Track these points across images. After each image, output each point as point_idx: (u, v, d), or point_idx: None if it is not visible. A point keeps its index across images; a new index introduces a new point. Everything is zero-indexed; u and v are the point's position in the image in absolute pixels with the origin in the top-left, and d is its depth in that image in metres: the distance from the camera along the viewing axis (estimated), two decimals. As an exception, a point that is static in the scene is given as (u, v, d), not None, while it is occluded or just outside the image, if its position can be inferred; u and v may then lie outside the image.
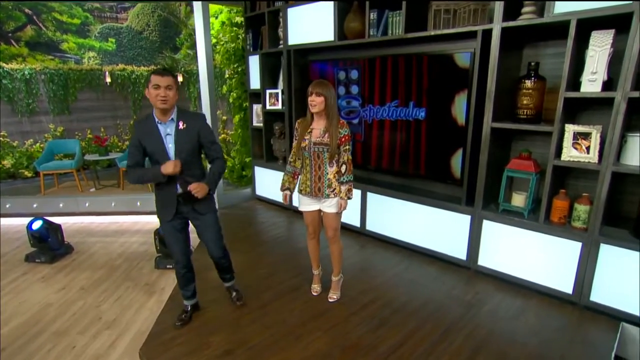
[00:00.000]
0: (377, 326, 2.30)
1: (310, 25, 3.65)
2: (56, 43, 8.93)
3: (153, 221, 4.33)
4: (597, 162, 2.29)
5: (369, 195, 3.51)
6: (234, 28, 5.23)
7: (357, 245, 3.46)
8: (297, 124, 2.36)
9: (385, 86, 3.28)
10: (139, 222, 4.44)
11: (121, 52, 9.74)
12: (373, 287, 2.73)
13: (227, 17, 5.33)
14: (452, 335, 2.21)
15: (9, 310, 2.64)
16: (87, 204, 4.59)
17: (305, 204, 2.43)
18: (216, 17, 5.74)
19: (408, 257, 3.21)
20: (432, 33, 2.80)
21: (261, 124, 4.52)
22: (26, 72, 6.65)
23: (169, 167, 1.96)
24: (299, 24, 3.76)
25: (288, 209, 4.40)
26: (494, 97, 2.58)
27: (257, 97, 4.51)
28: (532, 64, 2.50)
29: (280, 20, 3.97)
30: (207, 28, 4.22)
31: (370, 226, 3.58)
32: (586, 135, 2.31)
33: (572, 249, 2.42)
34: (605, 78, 2.19)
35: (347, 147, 2.28)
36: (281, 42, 4.03)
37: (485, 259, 2.85)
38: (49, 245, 3.38)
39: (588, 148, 2.31)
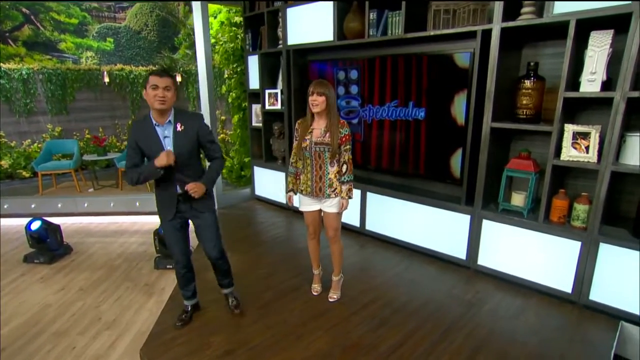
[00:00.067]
0: (378, 326, 2.30)
1: (310, 25, 3.65)
2: (54, 43, 8.90)
3: (152, 221, 4.32)
4: (596, 161, 2.30)
5: (369, 195, 3.52)
6: (233, 28, 5.22)
7: (357, 245, 3.47)
8: (297, 124, 2.36)
9: (384, 86, 3.28)
10: (138, 222, 4.43)
11: (119, 51, 9.72)
12: (373, 287, 2.74)
13: (226, 17, 5.33)
14: (452, 335, 2.21)
15: (9, 310, 2.63)
16: (85, 204, 4.58)
17: (305, 204, 2.43)
18: (215, 17, 5.73)
19: (408, 256, 3.22)
20: (432, 33, 2.81)
21: (260, 124, 4.52)
22: (24, 72, 6.63)
23: (162, 159, 1.94)
24: (298, 24, 3.76)
25: (287, 209, 4.40)
26: (493, 97, 2.59)
27: (256, 97, 4.51)
28: (532, 64, 2.51)
29: (280, 20, 3.96)
30: (206, 28, 4.21)
31: (370, 226, 3.59)
32: (585, 135, 2.32)
33: (571, 248, 2.43)
34: (605, 78, 2.20)
35: (348, 146, 2.29)
36: (280, 42, 4.03)
37: (485, 259, 2.86)
38: (47, 245, 3.37)
39: (587, 148, 2.32)
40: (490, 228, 2.79)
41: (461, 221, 2.93)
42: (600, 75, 2.19)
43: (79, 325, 2.46)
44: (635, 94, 2.08)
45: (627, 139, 2.24)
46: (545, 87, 2.54)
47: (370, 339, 2.18)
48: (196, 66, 4.45)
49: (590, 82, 2.23)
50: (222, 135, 7.07)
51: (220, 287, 2.47)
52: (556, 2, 2.25)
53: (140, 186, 2.32)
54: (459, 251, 2.98)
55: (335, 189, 2.32)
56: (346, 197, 2.32)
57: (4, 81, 6.43)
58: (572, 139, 2.36)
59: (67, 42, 9.09)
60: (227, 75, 5.49)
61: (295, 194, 2.47)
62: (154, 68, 8.46)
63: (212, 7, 5.66)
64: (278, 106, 4.25)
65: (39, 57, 8.36)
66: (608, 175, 2.24)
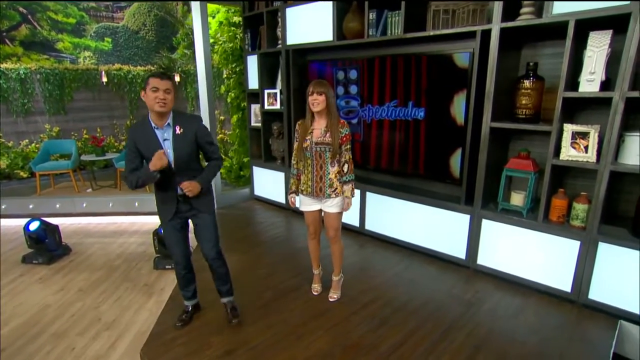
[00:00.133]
0: (378, 325, 2.30)
1: (309, 25, 3.65)
2: (51, 42, 8.87)
3: (151, 222, 4.31)
4: (595, 161, 2.31)
5: (368, 194, 3.52)
6: (232, 28, 5.22)
7: (356, 245, 3.47)
8: (297, 125, 2.37)
9: (384, 86, 3.29)
10: (137, 222, 4.42)
11: (117, 51, 9.69)
12: (373, 287, 2.74)
13: (225, 17, 5.32)
14: (452, 334, 2.22)
15: (8, 311, 2.62)
16: (84, 205, 4.57)
17: (306, 204, 2.43)
18: (213, 17, 5.72)
19: (407, 256, 3.23)
20: (431, 33, 2.82)
21: (259, 124, 4.52)
22: (21, 72, 6.61)
23: (156, 163, 1.92)
24: (298, 24, 3.76)
25: (286, 209, 4.40)
26: (492, 97, 2.59)
27: (256, 97, 4.51)
28: (531, 64, 2.52)
29: (279, 20, 3.96)
30: (205, 28, 4.21)
31: (370, 226, 3.59)
32: (584, 135, 2.33)
33: (570, 247, 2.44)
34: (603, 78, 2.21)
35: (348, 146, 2.30)
36: (279, 42, 4.03)
37: (485, 258, 2.86)
38: (46, 246, 3.36)
39: (586, 147, 2.33)
40: (489, 228, 2.80)
41: (461, 221, 2.94)
42: (599, 75, 2.20)
43: (79, 325, 2.45)
44: (633, 94, 2.09)
45: (626, 139, 2.25)
46: (545, 87, 2.55)
47: (370, 338, 2.18)
48: (195, 66, 4.45)
49: (589, 82, 2.24)
50: (220, 135, 7.07)
51: (219, 295, 2.39)
52: (555, 3, 2.26)
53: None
54: (459, 251, 2.99)
55: (336, 189, 2.32)
56: (350, 197, 2.33)
57: (2, 81, 6.41)
58: (571, 139, 2.37)
59: (64, 41, 9.06)
60: (226, 75, 5.49)
61: (297, 195, 2.47)
62: (152, 68, 8.45)
63: (211, 7, 5.65)
64: (277, 106, 4.25)
65: (36, 57, 8.33)
66: (607, 175, 2.25)
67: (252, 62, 4.40)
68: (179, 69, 8.24)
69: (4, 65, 6.56)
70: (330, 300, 2.55)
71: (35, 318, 2.53)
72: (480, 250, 2.87)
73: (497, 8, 2.47)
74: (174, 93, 1.99)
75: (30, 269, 3.26)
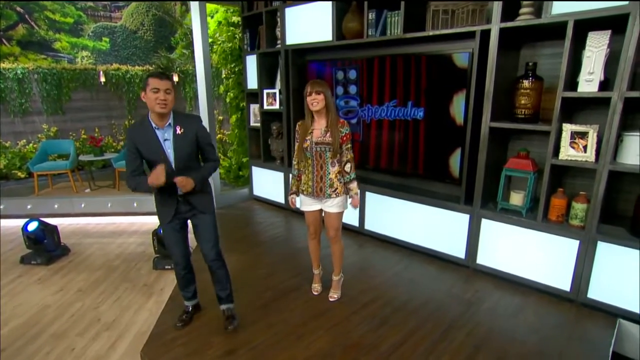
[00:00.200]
0: (378, 325, 2.31)
1: (308, 25, 3.65)
2: (49, 42, 8.84)
3: (150, 222, 4.30)
4: (594, 161, 2.32)
5: (368, 194, 3.52)
6: (231, 28, 5.21)
7: (356, 245, 3.47)
8: (297, 126, 2.37)
9: (383, 86, 3.29)
10: (136, 222, 4.41)
11: (115, 51, 9.66)
12: (373, 287, 2.74)
13: (224, 16, 5.31)
14: (452, 334, 2.22)
15: (7, 312, 2.61)
16: (82, 205, 4.55)
17: (306, 204, 2.44)
18: (212, 17, 5.71)
19: (407, 256, 3.23)
20: (431, 33, 2.82)
21: (259, 124, 4.51)
22: (19, 72, 6.58)
23: (153, 182, 1.90)
24: (297, 24, 3.76)
25: (286, 209, 4.39)
26: (492, 97, 2.60)
27: (255, 97, 4.50)
28: (530, 64, 2.53)
29: (278, 19, 3.96)
30: (204, 28, 4.20)
31: (369, 226, 3.60)
32: (583, 135, 2.34)
33: (569, 246, 2.45)
34: (602, 78, 2.22)
35: (349, 145, 2.31)
36: (279, 41, 4.03)
37: (484, 258, 2.87)
38: (45, 246, 3.35)
39: (585, 147, 2.34)
40: (489, 227, 2.81)
41: (460, 220, 2.94)
42: (598, 76, 2.21)
43: (78, 326, 2.44)
44: (632, 94, 2.10)
45: (625, 139, 2.26)
46: (544, 87, 2.55)
47: (371, 338, 2.19)
48: (194, 66, 4.44)
49: (588, 82, 2.25)
50: (219, 135, 7.06)
51: (218, 302, 2.33)
52: (554, 3, 2.27)
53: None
54: (458, 250, 3.00)
55: (336, 189, 2.32)
56: (358, 193, 2.36)
57: (-1, 81, 6.38)
58: (570, 139, 2.38)
59: (62, 41, 9.03)
60: (225, 75, 5.48)
61: (298, 196, 2.47)
62: (150, 68, 8.42)
63: (210, 7, 5.63)
64: (276, 106, 4.25)
65: (33, 57, 8.30)
66: (606, 175, 2.26)
67: (251, 62, 4.39)
68: (178, 69, 8.23)
69: (1, 65, 6.53)
70: (331, 300, 2.55)
71: (34, 318, 2.53)
72: (480, 250, 2.88)
73: (497, 8, 2.48)
74: (174, 93, 1.99)
75: (29, 270, 3.24)
